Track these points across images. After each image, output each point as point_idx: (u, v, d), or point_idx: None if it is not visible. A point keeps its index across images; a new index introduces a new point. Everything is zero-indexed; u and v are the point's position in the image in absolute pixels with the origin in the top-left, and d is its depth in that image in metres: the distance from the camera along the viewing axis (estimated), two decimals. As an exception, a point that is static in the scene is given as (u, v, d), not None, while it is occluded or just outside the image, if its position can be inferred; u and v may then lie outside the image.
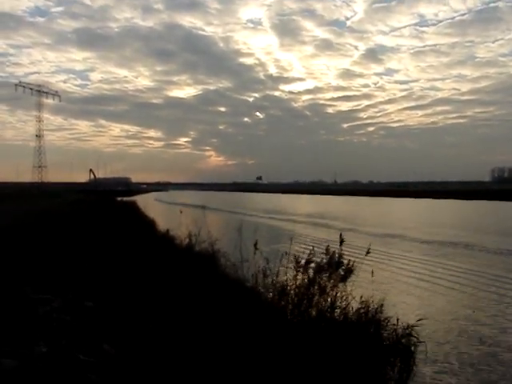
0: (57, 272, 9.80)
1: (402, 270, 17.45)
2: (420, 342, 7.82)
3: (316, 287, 7.84)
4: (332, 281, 7.92)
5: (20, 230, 17.67)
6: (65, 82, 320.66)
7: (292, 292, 8.01)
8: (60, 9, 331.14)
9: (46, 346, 5.37)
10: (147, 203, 64.20)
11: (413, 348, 7.68)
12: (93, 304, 7.71)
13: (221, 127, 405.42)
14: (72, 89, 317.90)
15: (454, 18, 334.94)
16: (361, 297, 8.19)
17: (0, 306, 6.60)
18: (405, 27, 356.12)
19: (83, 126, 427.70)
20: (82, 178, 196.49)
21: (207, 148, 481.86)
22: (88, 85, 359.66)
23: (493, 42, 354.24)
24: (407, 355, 7.58)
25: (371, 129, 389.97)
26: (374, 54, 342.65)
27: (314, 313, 7.74)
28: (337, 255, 8.12)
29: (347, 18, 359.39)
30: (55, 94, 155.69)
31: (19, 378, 4.54)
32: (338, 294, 7.95)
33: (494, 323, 10.78)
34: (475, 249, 23.35)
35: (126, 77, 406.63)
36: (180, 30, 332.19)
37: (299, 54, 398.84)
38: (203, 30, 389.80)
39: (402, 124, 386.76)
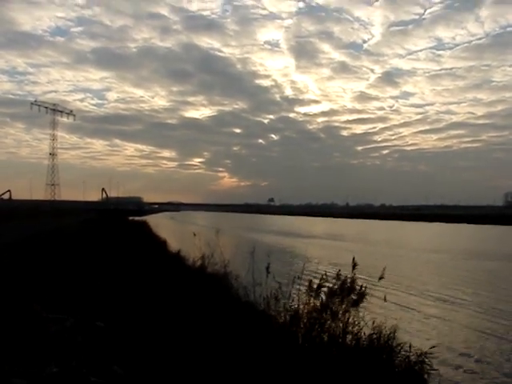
0: (68, 291, 9.84)
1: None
2: (433, 369, 7.69)
3: (328, 312, 7.77)
4: (344, 305, 7.84)
5: (30, 248, 17.78)
6: (81, 100, 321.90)
7: (304, 316, 7.94)
8: (80, 29, 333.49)
9: (56, 367, 5.36)
10: (158, 223, 64.71)
11: (426, 376, 7.55)
12: (104, 324, 7.70)
13: (235, 148, 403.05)
14: (88, 108, 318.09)
15: (471, 41, 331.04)
16: (373, 322, 8.10)
17: (11, 325, 6.62)
18: (421, 50, 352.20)
19: (98, 144, 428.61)
20: (95, 196, 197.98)
21: (220, 169, 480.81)
22: (104, 104, 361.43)
23: (509, 66, 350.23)
24: (420, 383, 7.45)
25: (385, 152, 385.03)
26: (390, 77, 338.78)
27: (325, 338, 7.66)
28: (349, 280, 8.05)
29: (364, 41, 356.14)
30: (70, 113, 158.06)
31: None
32: (350, 320, 7.86)
33: None
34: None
35: (142, 97, 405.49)
36: (197, 50, 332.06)
37: (315, 77, 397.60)
38: (221, 51, 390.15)
39: (416, 147, 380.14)
